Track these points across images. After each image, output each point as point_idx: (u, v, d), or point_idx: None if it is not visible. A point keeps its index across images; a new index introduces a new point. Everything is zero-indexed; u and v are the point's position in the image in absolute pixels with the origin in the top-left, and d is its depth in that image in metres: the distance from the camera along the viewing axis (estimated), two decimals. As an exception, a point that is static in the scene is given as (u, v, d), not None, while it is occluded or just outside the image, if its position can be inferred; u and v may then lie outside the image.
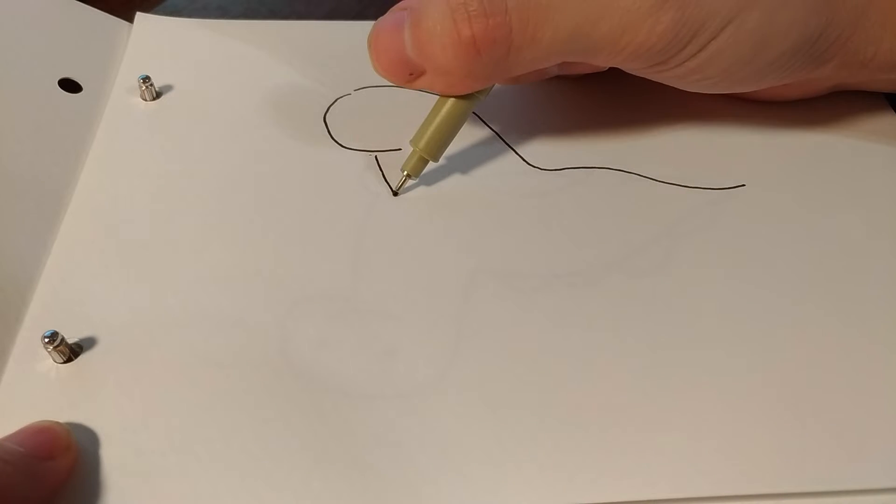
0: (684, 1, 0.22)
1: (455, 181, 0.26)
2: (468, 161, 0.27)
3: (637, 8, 0.22)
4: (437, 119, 0.24)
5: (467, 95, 0.24)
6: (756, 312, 0.23)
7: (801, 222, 0.25)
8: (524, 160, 0.27)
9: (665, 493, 0.19)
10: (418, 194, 0.26)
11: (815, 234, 0.25)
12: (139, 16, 0.31)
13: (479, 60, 0.22)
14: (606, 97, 0.29)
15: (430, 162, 0.25)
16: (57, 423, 0.19)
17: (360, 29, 0.32)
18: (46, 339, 0.20)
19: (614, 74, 0.27)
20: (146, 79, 0.28)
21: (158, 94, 0.28)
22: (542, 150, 0.27)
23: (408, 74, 0.23)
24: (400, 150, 0.27)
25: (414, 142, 0.25)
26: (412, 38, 0.22)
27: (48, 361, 0.20)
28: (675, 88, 0.26)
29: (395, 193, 0.25)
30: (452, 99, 0.24)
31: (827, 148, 0.28)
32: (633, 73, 0.25)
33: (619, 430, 0.20)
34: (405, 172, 0.25)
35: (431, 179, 0.26)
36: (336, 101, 0.29)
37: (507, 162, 0.27)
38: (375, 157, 0.27)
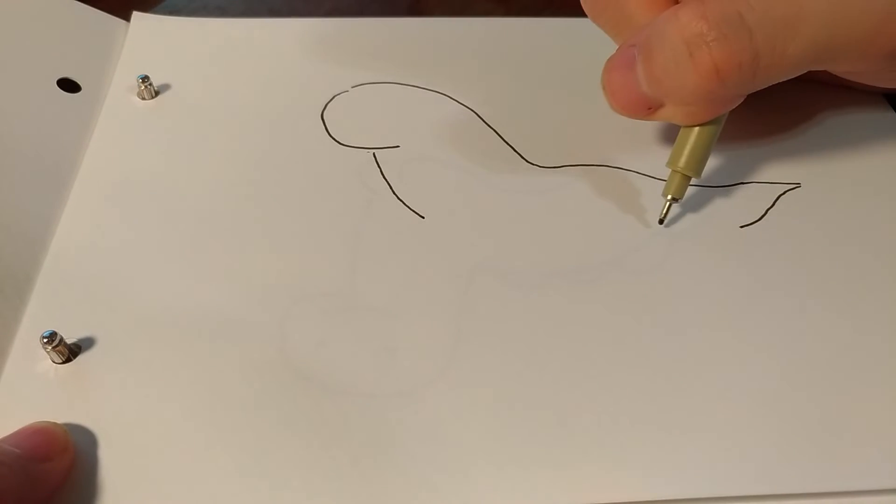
0: None
1: (453, 178, 0.26)
2: (466, 158, 0.27)
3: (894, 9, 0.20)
4: (691, 141, 0.23)
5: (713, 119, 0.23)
6: (756, 311, 0.22)
7: (800, 220, 0.25)
8: (522, 157, 0.27)
9: (665, 493, 0.19)
10: (417, 192, 0.25)
11: (815, 231, 0.25)
12: (135, 15, 0.31)
13: (722, 88, 0.21)
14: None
15: (691, 179, 0.24)
16: (54, 424, 0.19)
17: (357, 26, 0.32)
18: (45, 339, 0.20)
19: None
20: (145, 78, 0.28)
21: (157, 93, 0.28)
22: (540, 147, 0.27)
23: (646, 109, 0.23)
24: (398, 147, 0.27)
25: (671, 163, 0.24)
26: (646, 75, 0.22)
27: (47, 362, 0.20)
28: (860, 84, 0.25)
29: (662, 222, 0.24)
30: (698, 127, 0.23)
31: (826, 147, 0.27)
32: (853, 78, 0.24)
33: (620, 429, 0.20)
34: (669, 197, 0.24)
35: (429, 176, 0.26)
36: (333, 98, 0.29)
37: (505, 159, 0.27)
38: (373, 153, 0.27)
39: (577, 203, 0.25)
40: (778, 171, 0.27)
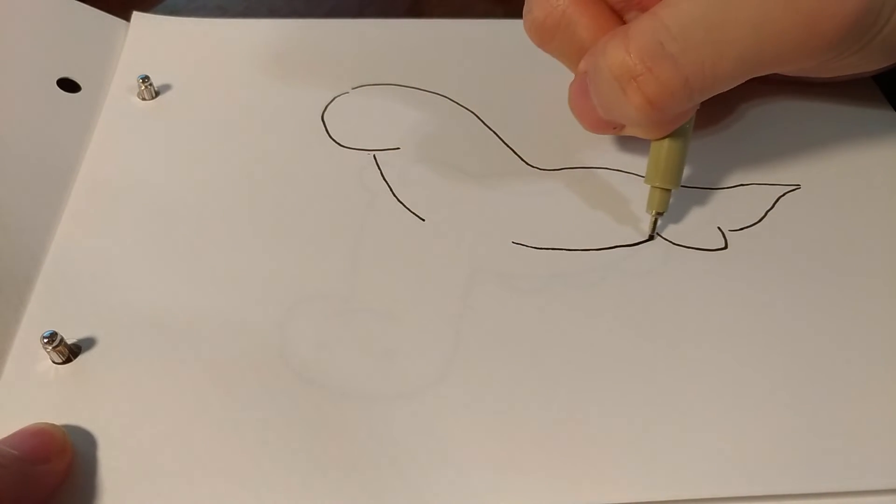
0: None
1: (454, 181, 0.26)
2: (467, 161, 0.27)
3: (822, 5, 0.20)
4: (662, 155, 0.23)
5: (676, 130, 0.23)
6: (755, 312, 0.22)
7: (800, 222, 0.25)
8: (523, 160, 0.27)
9: (665, 493, 0.19)
10: (417, 194, 0.26)
11: (815, 232, 0.25)
12: (135, 15, 0.31)
13: (663, 113, 0.21)
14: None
15: (670, 190, 0.24)
16: (53, 425, 0.19)
17: (357, 27, 0.32)
18: (45, 340, 0.20)
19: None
20: (145, 78, 0.28)
21: (157, 94, 0.28)
22: (540, 149, 0.27)
23: (612, 129, 0.24)
24: (398, 148, 0.27)
25: (649, 179, 0.24)
26: (599, 104, 0.23)
27: (47, 362, 0.20)
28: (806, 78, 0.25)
29: (652, 237, 0.24)
30: (667, 139, 0.23)
31: (825, 145, 0.27)
32: (801, 74, 0.24)
33: (620, 430, 0.20)
34: (654, 212, 0.24)
35: (430, 178, 0.26)
36: (334, 99, 0.29)
37: (505, 161, 0.27)
38: (374, 155, 0.27)
39: (578, 206, 0.25)
40: (778, 173, 0.27)
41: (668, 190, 0.24)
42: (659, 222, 0.24)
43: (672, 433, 0.20)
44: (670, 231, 0.25)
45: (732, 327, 0.22)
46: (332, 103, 0.29)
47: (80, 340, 0.21)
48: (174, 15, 0.32)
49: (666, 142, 0.23)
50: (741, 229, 0.25)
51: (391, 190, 0.26)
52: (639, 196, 0.26)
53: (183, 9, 0.35)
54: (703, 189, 0.26)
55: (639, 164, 0.27)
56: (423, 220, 0.25)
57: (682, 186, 0.26)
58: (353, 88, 0.29)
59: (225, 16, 0.35)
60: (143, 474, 0.19)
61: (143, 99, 0.28)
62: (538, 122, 0.28)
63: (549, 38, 0.24)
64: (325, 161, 0.26)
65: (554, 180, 0.26)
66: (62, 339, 0.20)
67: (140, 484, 0.18)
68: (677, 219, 0.25)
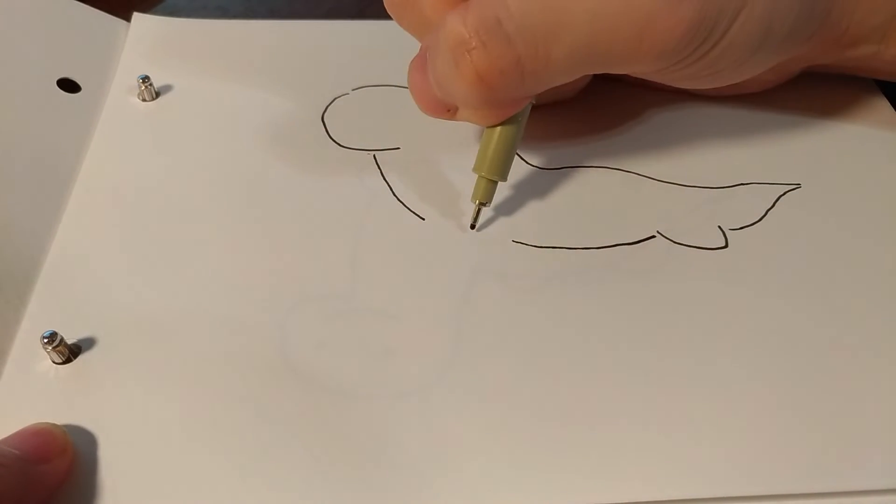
0: None
1: (453, 180, 0.26)
2: (466, 160, 0.27)
3: (657, 8, 0.20)
4: (492, 144, 0.23)
5: (509, 119, 0.23)
6: (755, 311, 0.22)
7: (799, 220, 0.25)
8: (522, 159, 0.27)
9: (665, 493, 0.19)
10: (416, 193, 0.26)
11: (814, 231, 0.25)
12: (136, 16, 0.31)
13: (494, 93, 0.21)
14: (605, 96, 0.29)
15: (499, 183, 0.24)
16: (54, 425, 0.19)
17: (358, 28, 0.32)
18: (45, 340, 0.20)
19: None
20: (145, 79, 0.28)
21: (157, 95, 0.28)
22: (541, 148, 0.27)
23: (446, 111, 0.23)
24: (398, 148, 0.27)
25: (477, 169, 0.23)
26: (434, 80, 0.22)
27: (47, 362, 0.20)
28: (674, 87, 0.25)
29: (473, 227, 0.24)
30: (498, 127, 0.23)
31: (826, 145, 0.27)
32: (646, 77, 0.24)
33: (619, 430, 0.20)
34: (477, 202, 0.24)
35: (430, 178, 0.26)
36: (334, 100, 0.29)
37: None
38: (374, 156, 0.27)
39: (578, 204, 0.25)
40: (778, 172, 0.27)
41: (495, 181, 0.23)
42: (483, 213, 0.24)
43: (672, 433, 0.20)
44: (670, 230, 0.25)
45: (732, 326, 0.22)
46: (333, 104, 0.29)
47: (80, 340, 0.21)
48: (174, 15, 0.32)
49: (497, 130, 0.23)
50: (741, 228, 0.25)
51: (391, 189, 0.26)
52: (640, 195, 0.26)
53: (183, 9, 0.35)
54: (704, 188, 0.26)
55: (640, 163, 0.27)
56: (423, 219, 0.25)
57: (684, 185, 0.26)
58: (353, 90, 0.29)
59: (225, 16, 0.35)
60: (143, 473, 0.19)
61: (144, 100, 0.28)
62: (538, 121, 0.28)
63: (400, 14, 0.24)
64: (326, 161, 0.26)
65: (554, 179, 0.26)
66: (62, 339, 0.20)
67: (140, 484, 0.18)
68: (678, 217, 0.25)
